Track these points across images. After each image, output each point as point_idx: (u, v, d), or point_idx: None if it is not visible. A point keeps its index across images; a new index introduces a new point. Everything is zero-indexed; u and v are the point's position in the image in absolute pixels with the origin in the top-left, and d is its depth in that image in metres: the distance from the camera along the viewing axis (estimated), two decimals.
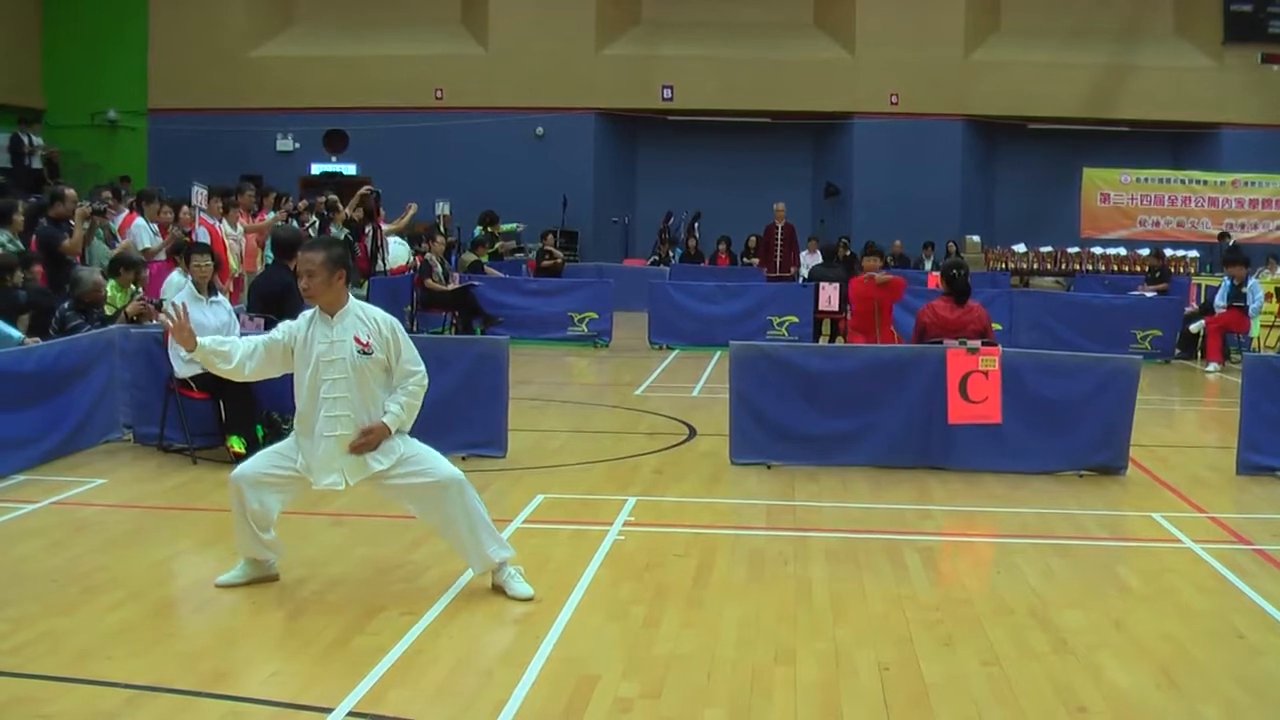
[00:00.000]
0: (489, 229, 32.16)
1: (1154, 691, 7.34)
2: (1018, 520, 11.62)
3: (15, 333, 14.03)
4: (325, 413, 8.74)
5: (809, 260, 32.06)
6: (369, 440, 8.72)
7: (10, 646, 7.71)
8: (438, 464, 8.87)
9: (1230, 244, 33.35)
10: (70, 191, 18.75)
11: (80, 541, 10.30)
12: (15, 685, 7.08)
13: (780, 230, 30.29)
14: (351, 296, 8.95)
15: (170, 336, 13.32)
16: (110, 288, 15.73)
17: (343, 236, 23.24)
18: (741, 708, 6.97)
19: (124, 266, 16.31)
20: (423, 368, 8.93)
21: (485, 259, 29.30)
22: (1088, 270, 33.06)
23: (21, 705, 6.81)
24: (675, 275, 32.29)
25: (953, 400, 13.17)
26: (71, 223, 17.70)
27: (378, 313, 8.95)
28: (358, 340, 8.71)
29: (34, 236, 17.70)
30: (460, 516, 8.81)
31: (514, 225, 35.10)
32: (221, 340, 9.13)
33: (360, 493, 10.58)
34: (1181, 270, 31.49)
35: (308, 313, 8.93)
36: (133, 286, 15.96)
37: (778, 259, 30.00)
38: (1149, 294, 27.59)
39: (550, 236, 34.06)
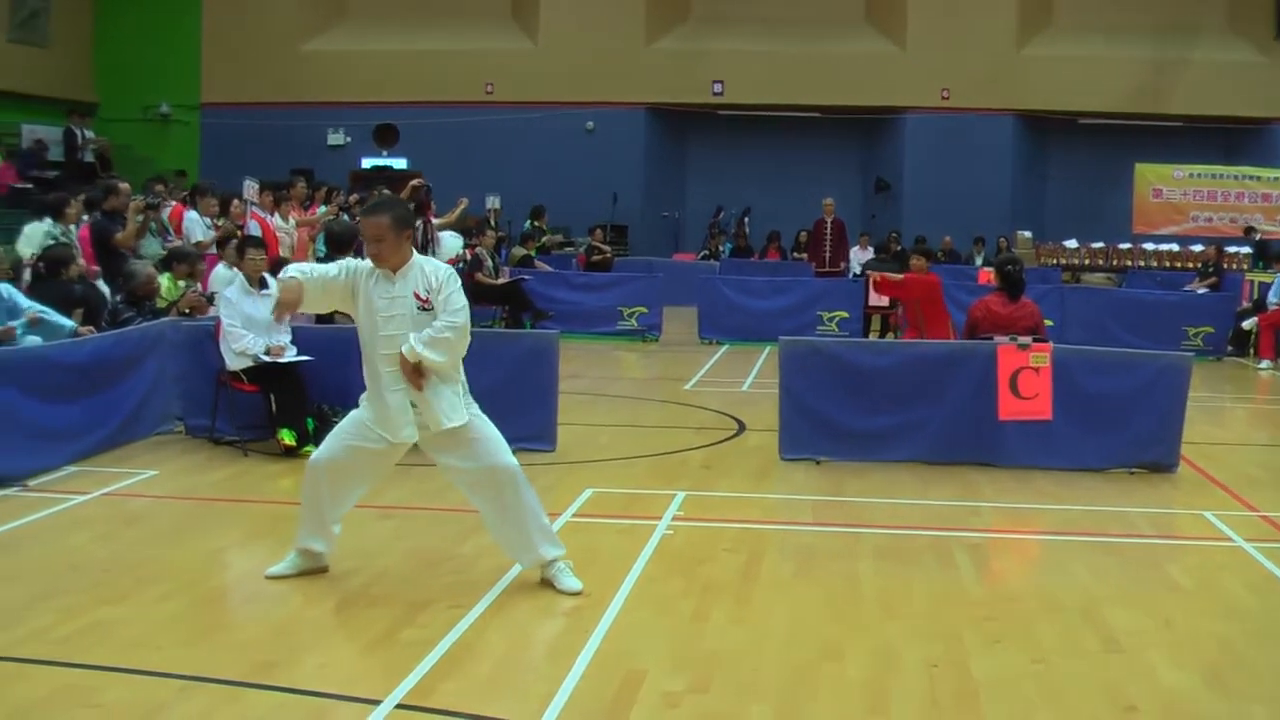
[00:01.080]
0: (536, 223, 32.23)
1: (1204, 691, 7.30)
2: (1067, 518, 11.57)
3: (68, 322, 14.12)
4: (388, 368, 8.73)
5: (860, 256, 32.00)
6: (407, 374, 8.67)
7: (61, 636, 7.76)
8: (498, 452, 8.85)
9: (1257, 238, 33.14)
10: (124, 185, 18.85)
11: (131, 532, 10.37)
12: (66, 675, 7.12)
13: (829, 226, 30.20)
14: (415, 252, 8.90)
15: (221, 331, 13.43)
16: (165, 280, 15.80)
17: None
18: (789, 704, 6.96)
19: (178, 260, 16.39)
20: (460, 319, 8.73)
21: (533, 253, 29.35)
22: (1139, 266, 32.93)
23: (71, 694, 6.85)
24: (725, 270, 32.24)
25: (1003, 396, 13.11)
26: (125, 216, 17.78)
27: (438, 266, 8.92)
28: (417, 296, 8.69)
29: (87, 229, 17.79)
30: (510, 509, 8.82)
31: (551, 233, 34.99)
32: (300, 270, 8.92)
33: (410, 485, 10.62)
34: (1234, 267, 31.31)
35: (369, 265, 8.87)
36: (185, 281, 16.02)
37: (826, 254, 29.91)
38: (1200, 290, 27.44)
39: (599, 231, 34.06)
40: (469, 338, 8.85)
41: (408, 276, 8.75)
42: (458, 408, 8.79)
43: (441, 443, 8.84)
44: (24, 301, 14.01)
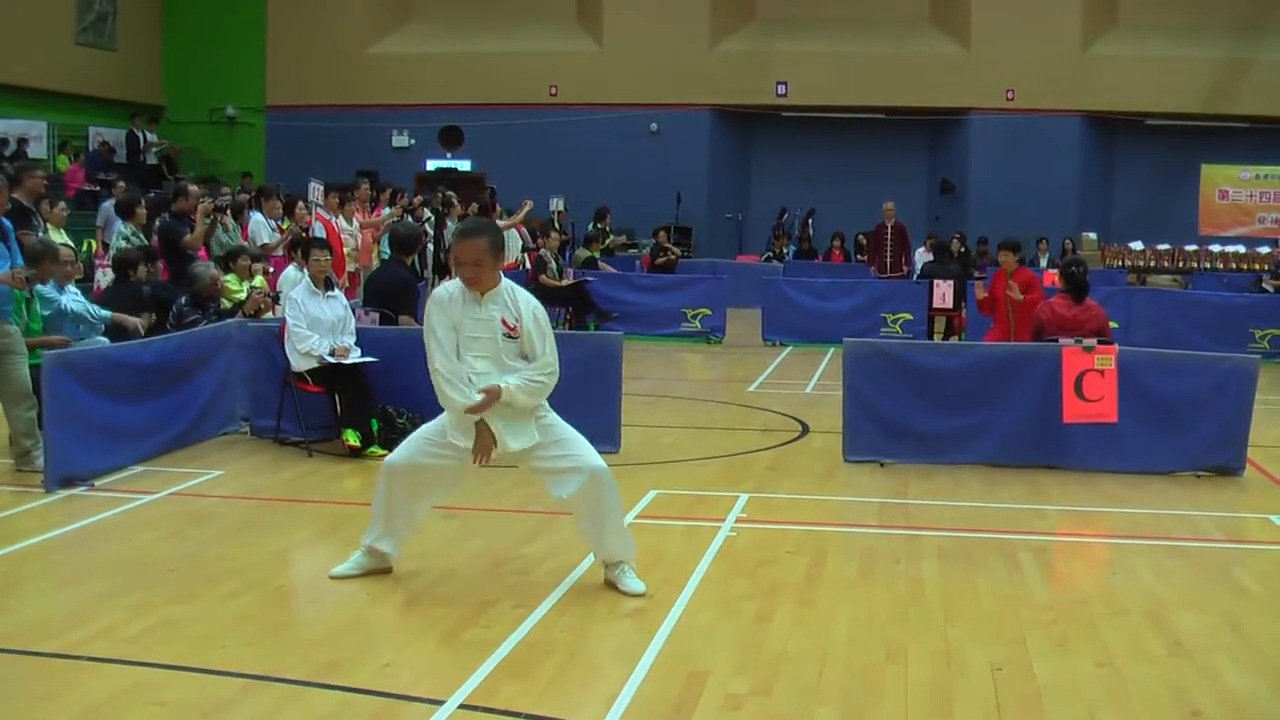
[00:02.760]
0: (600, 225, 32.27)
1: (1270, 696, 7.24)
2: (1133, 521, 11.51)
3: (103, 311, 14.21)
4: (473, 378, 8.68)
5: (925, 258, 31.85)
6: (483, 403, 8.59)
7: (129, 634, 7.83)
8: (585, 452, 8.86)
9: None
10: (194, 187, 18.98)
11: (198, 532, 10.44)
12: (133, 673, 7.18)
13: (890, 230, 30.00)
14: (502, 276, 8.88)
15: (286, 332, 13.50)
16: (230, 280, 15.91)
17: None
18: (852, 706, 6.95)
19: (235, 258, 16.51)
20: (556, 363, 8.76)
21: (598, 254, 29.39)
22: (1206, 268, 32.69)
23: (139, 692, 6.91)
24: (789, 271, 32.20)
25: (1068, 399, 13.05)
26: (193, 218, 17.91)
27: (524, 298, 8.84)
28: (504, 324, 8.66)
29: (155, 230, 17.92)
30: (596, 506, 8.83)
31: (615, 235, 35.06)
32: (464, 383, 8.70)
33: (474, 486, 10.63)
34: None
35: (449, 289, 8.83)
36: (249, 281, 16.13)
37: (887, 259, 29.72)
38: (1270, 289, 27.19)
39: (663, 233, 34.07)
40: (558, 379, 8.84)
41: (496, 301, 8.70)
42: (527, 430, 8.79)
43: (526, 451, 8.88)
44: (90, 307, 14.16)
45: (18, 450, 12.34)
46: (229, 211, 19.71)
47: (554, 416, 8.96)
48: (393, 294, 15.23)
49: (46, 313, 13.30)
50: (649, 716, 6.77)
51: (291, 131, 39.24)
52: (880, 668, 7.53)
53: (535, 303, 8.92)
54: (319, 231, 18.87)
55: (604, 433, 13.51)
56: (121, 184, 26.84)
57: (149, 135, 35.98)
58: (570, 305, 24.90)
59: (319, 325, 13.59)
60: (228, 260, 16.71)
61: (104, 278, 17.12)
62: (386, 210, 23.64)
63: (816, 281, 27.04)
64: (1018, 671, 7.48)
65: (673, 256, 32.61)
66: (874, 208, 31.33)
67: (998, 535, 10.76)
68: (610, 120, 39.03)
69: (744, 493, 12.06)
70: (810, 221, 38.16)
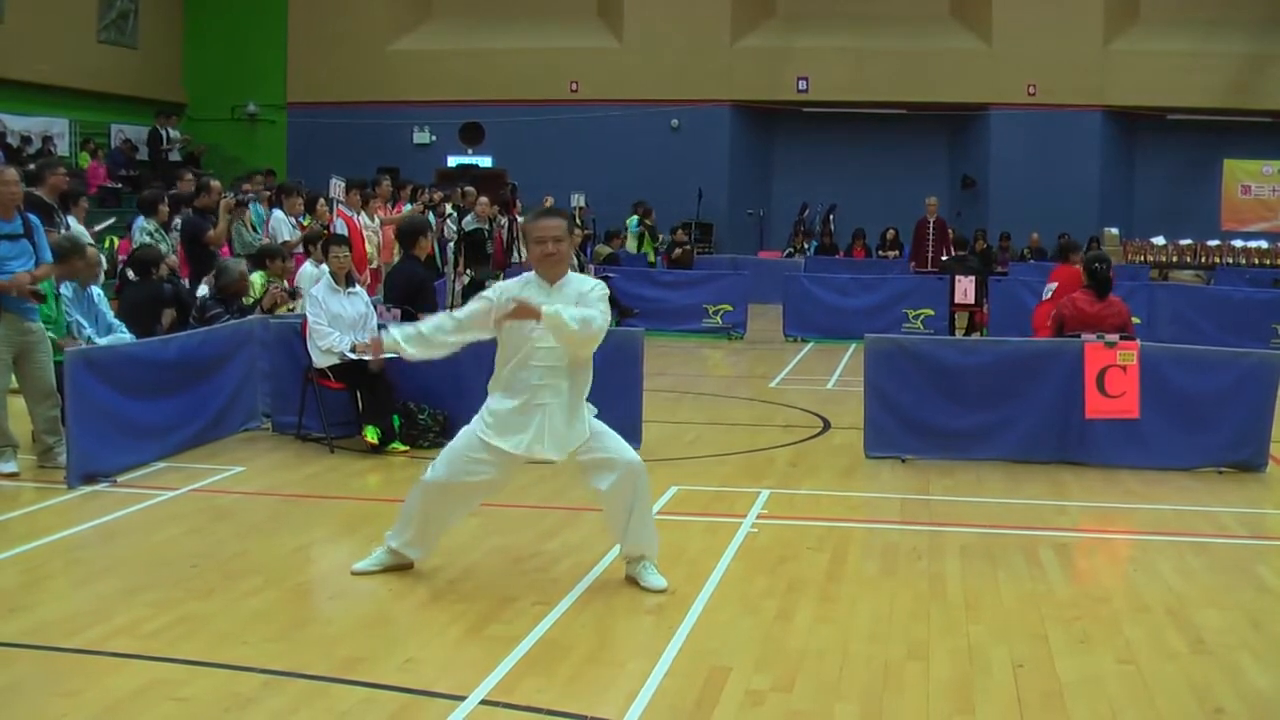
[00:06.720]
0: (647, 221, 32.26)
1: None
2: (1155, 517, 11.47)
3: (126, 335, 14.07)
4: (536, 381, 8.63)
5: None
6: (519, 309, 8.45)
7: (150, 630, 7.84)
8: (623, 447, 8.87)
9: None
10: (215, 183, 19.02)
11: (219, 528, 10.46)
12: (154, 668, 7.19)
13: (931, 225, 29.91)
14: (571, 268, 8.83)
15: (308, 329, 13.52)
16: (258, 278, 15.92)
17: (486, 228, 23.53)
18: (873, 703, 6.94)
19: (269, 257, 16.54)
20: (601, 314, 8.53)
21: (650, 250, 29.39)
22: (1228, 263, 32.60)
23: (160, 688, 6.91)
24: (810, 267, 32.07)
25: (1090, 395, 13.02)
26: (216, 214, 17.93)
27: (595, 282, 8.79)
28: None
29: (178, 226, 17.96)
30: (628, 499, 8.79)
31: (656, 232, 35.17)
32: (428, 331, 8.87)
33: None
34: None
35: (523, 278, 8.84)
36: (272, 278, 16.16)
37: (929, 254, 29.63)
38: None
39: (680, 231, 34.06)
40: (599, 340, 8.68)
41: (566, 289, 8.65)
42: (581, 434, 8.77)
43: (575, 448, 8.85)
44: (107, 310, 14.15)
45: (40, 447, 12.39)
46: (248, 206, 19.72)
47: (595, 416, 8.95)
48: (410, 291, 15.21)
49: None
50: (670, 713, 6.76)
51: (313, 128, 39.33)
52: (901, 665, 7.52)
53: (600, 283, 8.83)
54: (341, 228, 18.89)
55: (625, 429, 13.36)
56: (158, 182, 26.88)
57: (172, 132, 36.09)
58: None
59: (340, 322, 13.61)
60: (262, 259, 16.71)
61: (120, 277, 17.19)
62: (408, 206, 23.67)
63: (838, 277, 26.96)
64: (1039, 669, 7.46)
65: (686, 249, 32.56)
66: (895, 203, 31.36)
67: (1019, 532, 10.74)
68: (631, 117, 39.01)
69: (765, 489, 12.06)
70: (831, 217, 38.10)
